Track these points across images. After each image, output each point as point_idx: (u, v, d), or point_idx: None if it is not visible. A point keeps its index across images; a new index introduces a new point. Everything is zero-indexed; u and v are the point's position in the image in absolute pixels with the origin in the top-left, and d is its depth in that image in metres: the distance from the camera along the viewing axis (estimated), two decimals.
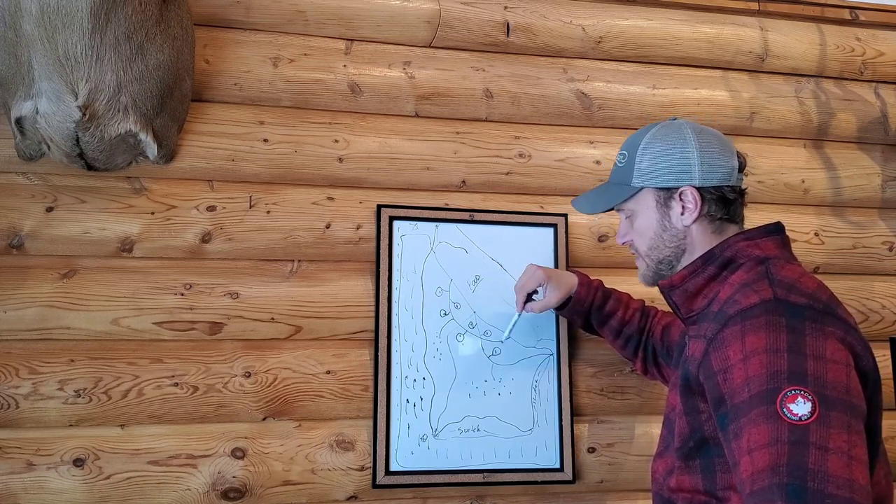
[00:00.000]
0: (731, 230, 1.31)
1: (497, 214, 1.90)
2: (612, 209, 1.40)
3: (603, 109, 2.04)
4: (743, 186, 1.33)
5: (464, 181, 1.93)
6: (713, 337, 1.12)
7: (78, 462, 1.62)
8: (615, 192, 1.36)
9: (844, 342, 1.05)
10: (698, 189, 1.28)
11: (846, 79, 2.23)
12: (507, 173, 1.95)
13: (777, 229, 1.28)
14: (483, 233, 1.88)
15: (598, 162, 2.01)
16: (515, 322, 1.72)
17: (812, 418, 0.97)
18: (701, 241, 1.29)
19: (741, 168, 1.32)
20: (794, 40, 2.19)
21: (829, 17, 2.21)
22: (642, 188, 1.31)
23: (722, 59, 2.14)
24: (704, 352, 1.14)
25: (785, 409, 0.98)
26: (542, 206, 1.95)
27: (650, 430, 1.90)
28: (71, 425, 1.64)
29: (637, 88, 2.07)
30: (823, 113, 2.18)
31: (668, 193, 1.30)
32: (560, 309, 1.72)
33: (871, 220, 2.17)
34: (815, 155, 2.16)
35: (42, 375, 1.64)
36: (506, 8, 2.01)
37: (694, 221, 1.28)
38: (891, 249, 2.16)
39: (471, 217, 1.89)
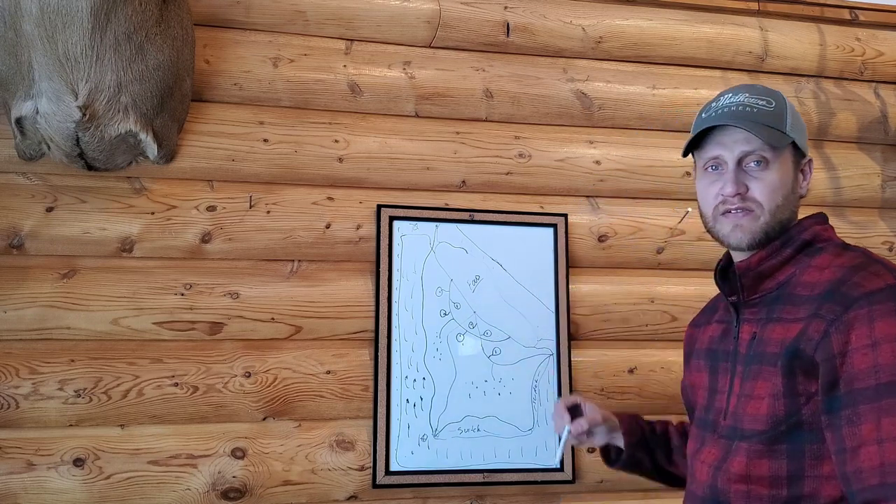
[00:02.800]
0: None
1: (497, 214, 1.90)
2: (770, 146, 1.23)
3: (603, 109, 2.04)
4: None
5: (464, 181, 1.93)
6: (836, 319, 1.08)
7: (78, 462, 1.62)
8: (771, 133, 1.20)
9: None
10: None
11: (846, 79, 2.23)
12: (507, 173, 1.95)
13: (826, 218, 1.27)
14: (483, 233, 1.88)
15: (598, 162, 2.01)
16: (564, 442, 1.46)
17: None
18: (795, 215, 1.24)
19: None
20: (794, 40, 2.19)
21: (829, 17, 2.21)
22: (792, 141, 1.22)
23: (722, 59, 2.14)
24: (825, 332, 1.09)
25: None
26: (542, 206, 1.95)
27: None
28: (71, 425, 1.64)
29: (637, 88, 2.07)
30: (823, 113, 2.18)
31: (798, 157, 1.24)
32: (609, 459, 1.53)
33: (871, 220, 2.17)
34: (815, 155, 2.16)
35: (42, 375, 1.64)
36: (506, 8, 2.01)
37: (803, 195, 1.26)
38: (891, 249, 2.16)
39: (471, 217, 1.89)
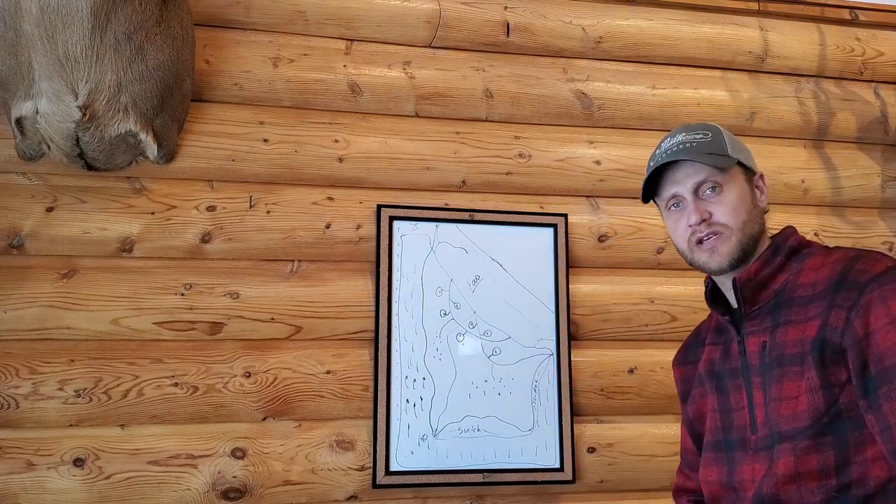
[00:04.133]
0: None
1: (497, 214, 1.90)
2: (716, 169, 1.29)
3: (603, 109, 2.04)
4: None
5: (464, 181, 1.93)
6: (854, 304, 1.14)
7: (78, 462, 1.62)
8: (718, 158, 1.27)
9: None
10: None
11: (846, 79, 2.23)
12: (507, 173, 1.95)
13: None
14: (483, 233, 1.88)
15: (597, 162, 2.01)
16: None
17: None
18: (764, 228, 1.31)
19: None
20: (794, 40, 2.18)
21: (829, 17, 2.21)
22: (737, 162, 1.28)
23: (722, 59, 2.14)
24: (847, 319, 1.14)
25: None
26: (542, 206, 1.95)
27: (650, 430, 1.90)
28: (71, 425, 1.64)
29: (637, 88, 2.07)
30: (823, 113, 2.18)
31: (749, 175, 1.31)
32: None
33: (871, 220, 2.17)
34: (815, 155, 2.16)
35: (42, 375, 1.64)
36: (506, 8, 2.01)
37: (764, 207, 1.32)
38: (891, 249, 2.16)
39: (471, 217, 1.89)
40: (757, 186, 1.32)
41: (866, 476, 1.13)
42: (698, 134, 1.30)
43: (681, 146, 1.28)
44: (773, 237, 1.30)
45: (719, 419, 1.31)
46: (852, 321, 1.13)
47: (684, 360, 1.45)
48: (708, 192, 1.28)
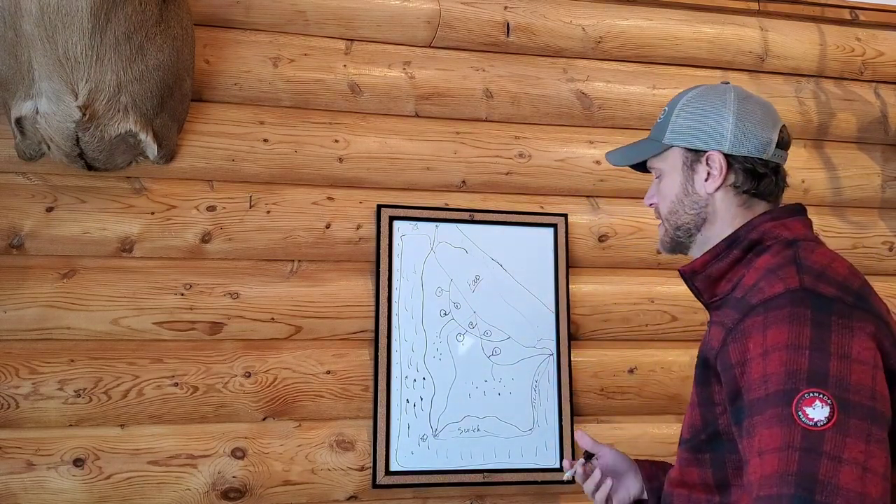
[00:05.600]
0: (760, 207, 1.22)
1: (497, 214, 1.90)
2: (642, 164, 1.32)
3: (603, 109, 2.04)
4: (782, 163, 1.24)
5: (464, 181, 1.93)
6: (733, 327, 1.06)
7: (78, 462, 1.62)
8: (646, 146, 1.29)
9: (874, 338, 0.98)
10: (726, 156, 1.20)
11: (846, 79, 2.23)
12: (507, 173, 1.95)
13: (801, 209, 1.22)
14: (483, 233, 1.88)
15: (597, 162, 2.01)
16: (582, 464, 1.38)
17: (829, 424, 0.90)
18: (724, 213, 1.21)
19: (783, 145, 1.23)
20: (794, 40, 2.18)
21: (829, 17, 2.21)
22: (672, 146, 1.24)
23: (722, 59, 2.14)
24: (723, 341, 1.07)
25: (800, 413, 0.92)
26: (542, 206, 1.95)
27: (650, 430, 1.90)
28: (71, 425, 1.64)
29: (637, 88, 2.07)
30: (823, 113, 2.18)
31: (695, 156, 1.22)
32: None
33: (871, 220, 2.17)
34: (815, 155, 2.16)
35: (42, 375, 1.64)
36: (506, 8, 2.01)
37: (717, 189, 1.20)
38: (891, 249, 2.16)
39: (471, 217, 1.89)
40: (699, 167, 1.21)
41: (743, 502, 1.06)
42: (662, 111, 1.30)
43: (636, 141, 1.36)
44: (741, 227, 1.19)
45: None
46: (728, 345, 1.05)
47: None
48: (656, 179, 1.31)
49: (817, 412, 0.91)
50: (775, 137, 1.21)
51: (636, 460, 1.42)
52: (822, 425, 0.91)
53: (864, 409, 0.92)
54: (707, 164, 1.21)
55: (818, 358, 0.94)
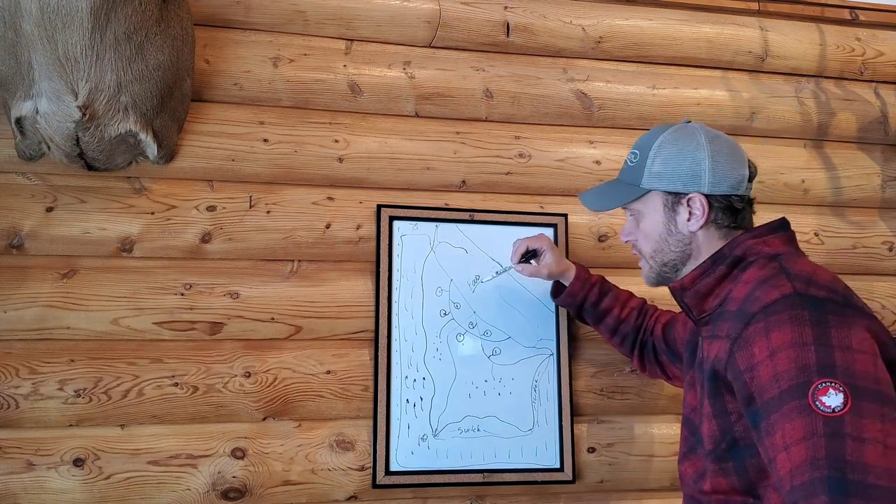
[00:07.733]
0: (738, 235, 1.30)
1: (497, 214, 1.90)
2: (619, 208, 1.40)
3: (603, 109, 2.04)
4: (751, 196, 1.32)
5: (464, 181, 1.93)
6: (737, 336, 1.12)
7: (78, 462, 1.62)
8: (624, 191, 1.35)
9: (870, 330, 1.06)
10: (706, 196, 1.27)
11: (846, 79, 2.23)
12: (507, 173, 1.95)
13: (782, 225, 1.28)
14: (483, 233, 1.88)
15: (598, 162, 2.01)
16: (501, 273, 1.63)
17: (845, 409, 0.97)
18: (707, 247, 1.29)
19: (751, 177, 1.31)
20: (794, 40, 2.18)
21: (829, 17, 2.21)
22: (651, 190, 1.31)
23: (722, 59, 2.14)
24: (729, 351, 1.14)
25: (818, 402, 0.99)
26: (542, 206, 1.95)
27: (650, 430, 1.90)
28: (71, 425, 1.64)
29: (637, 88, 2.07)
30: (823, 113, 2.18)
31: (676, 198, 1.29)
32: (555, 297, 1.77)
33: (871, 220, 2.17)
34: (815, 155, 2.16)
35: (42, 375, 1.64)
36: (506, 8, 2.01)
37: (700, 228, 1.28)
38: (891, 249, 2.16)
39: (471, 217, 1.89)
40: (681, 209, 1.29)
41: (768, 501, 1.13)
42: (632, 154, 1.36)
43: (605, 183, 1.47)
44: (725, 245, 1.27)
45: (685, 397, 1.38)
46: (734, 354, 1.12)
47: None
48: (630, 217, 1.38)
49: (832, 399, 0.98)
50: (747, 172, 1.30)
51: (576, 263, 1.73)
52: (839, 411, 0.98)
53: (873, 393, 0.99)
54: (688, 205, 1.28)
55: (823, 351, 1.01)
